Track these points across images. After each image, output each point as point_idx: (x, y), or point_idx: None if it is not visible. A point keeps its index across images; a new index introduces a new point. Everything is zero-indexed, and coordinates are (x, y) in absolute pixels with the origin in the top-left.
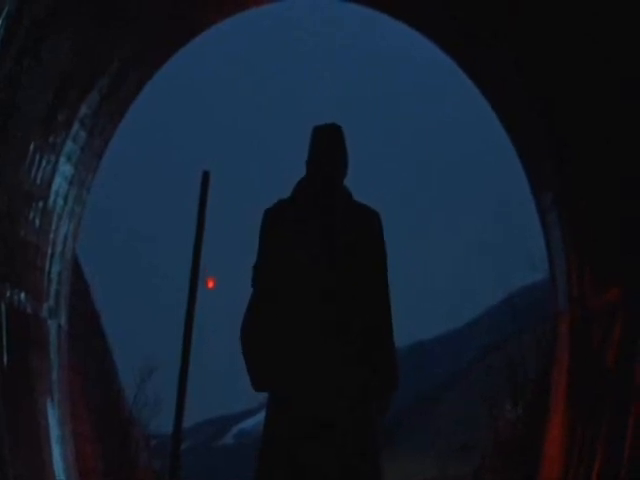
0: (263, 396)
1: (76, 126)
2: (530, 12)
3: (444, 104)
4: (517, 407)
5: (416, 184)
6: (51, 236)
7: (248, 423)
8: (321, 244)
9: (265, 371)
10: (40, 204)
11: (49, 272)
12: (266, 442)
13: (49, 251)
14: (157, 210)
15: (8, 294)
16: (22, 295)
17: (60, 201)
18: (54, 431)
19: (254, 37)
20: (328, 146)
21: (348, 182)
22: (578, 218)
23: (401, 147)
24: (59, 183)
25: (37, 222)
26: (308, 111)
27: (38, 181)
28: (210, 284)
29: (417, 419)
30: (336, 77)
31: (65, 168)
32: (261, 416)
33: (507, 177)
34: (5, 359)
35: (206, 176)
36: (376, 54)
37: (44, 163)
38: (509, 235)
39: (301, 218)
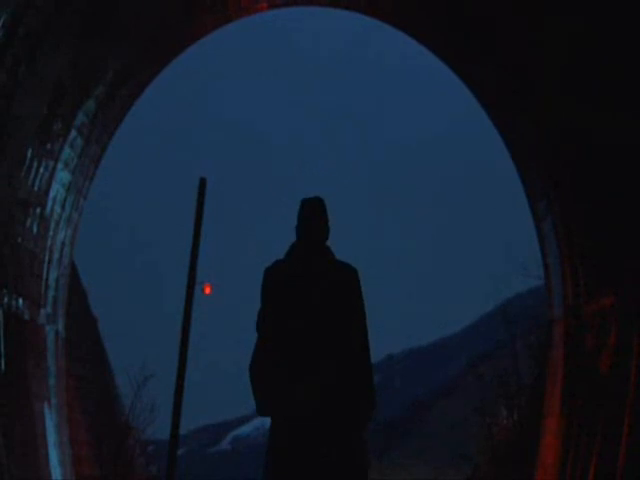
0: None
1: (73, 133)
2: (527, 22)
3: (446, 113)
4: (512, 413)
5: (414, 189)
6: (48, 243)
7: (243, 430)
8: (309, 298)
9: (268, 400)
10: (37, 211)
11: (46, 279)
12: (270, 454)
13: (46, 258)
14: (155, 216)
15: (6, 300)
16: (20, 301)
17: (57, 208)
18: (51, 436)
19: (253, 43)
20: (312, 216)
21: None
22: (572, 226)
23: (399, 153)
24: (56, 190)
25: (34, 229)
26: (306, 116)
27: (36, 188)
28: (207, 290)
29: (411, 425)
30: (334, 85)
31: (62, 175)
32: (256, 423)
33: (503, 185)
34: (3, 364)
35: (203, 182)
36: (375, 61)
37: (42, 170)
38: (503, 242)
39: (293, 276)
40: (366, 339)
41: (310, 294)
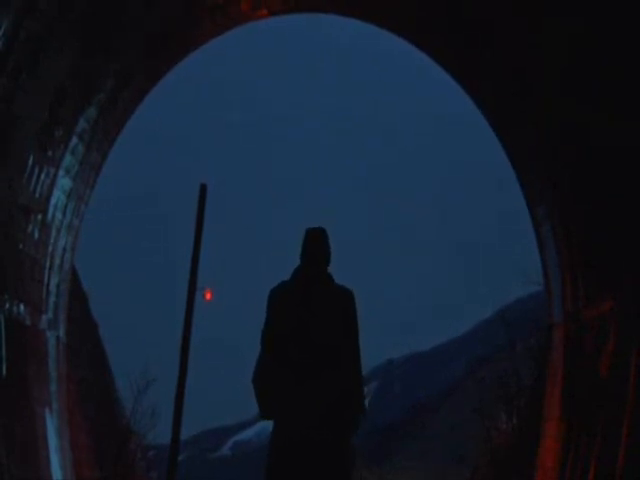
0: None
1: (74, 140)
2: (527, 24)
3: (446, 114)
4: (512, 417)
5: (414, 191)
6: (49, 249)
7: (244, 435)
8: (307, 317)
9: (270, 405)
10: (39, 217)
11: (48, 284)
12: (271, 454)
13: (47, 263)
14: (156, 221)
15: (7, 306)
16: (21, 307)
17: (58, 214)
18: (52, 441)
19: (254, 46)
20: (315, 245)
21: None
22: (571, 229)
23: (399, 154)
24: (57, 196)
25: (35, 235)
26: (305, 119)
27: (37, 194)
28: (208, 296)
29: (412, 428)
30: (334, 86)
31: (63, 182)
32: (256, 428)
33: (504, 192)
34: (4, 370)
35: (203, 189)
36: (374, 62)
37: (43, 177)
38: (503, 248)
39: (295, 298)
40: (359, 357)
41: (307, 315)
